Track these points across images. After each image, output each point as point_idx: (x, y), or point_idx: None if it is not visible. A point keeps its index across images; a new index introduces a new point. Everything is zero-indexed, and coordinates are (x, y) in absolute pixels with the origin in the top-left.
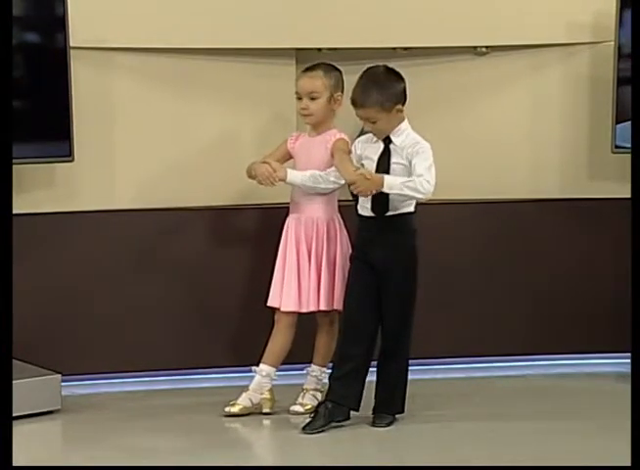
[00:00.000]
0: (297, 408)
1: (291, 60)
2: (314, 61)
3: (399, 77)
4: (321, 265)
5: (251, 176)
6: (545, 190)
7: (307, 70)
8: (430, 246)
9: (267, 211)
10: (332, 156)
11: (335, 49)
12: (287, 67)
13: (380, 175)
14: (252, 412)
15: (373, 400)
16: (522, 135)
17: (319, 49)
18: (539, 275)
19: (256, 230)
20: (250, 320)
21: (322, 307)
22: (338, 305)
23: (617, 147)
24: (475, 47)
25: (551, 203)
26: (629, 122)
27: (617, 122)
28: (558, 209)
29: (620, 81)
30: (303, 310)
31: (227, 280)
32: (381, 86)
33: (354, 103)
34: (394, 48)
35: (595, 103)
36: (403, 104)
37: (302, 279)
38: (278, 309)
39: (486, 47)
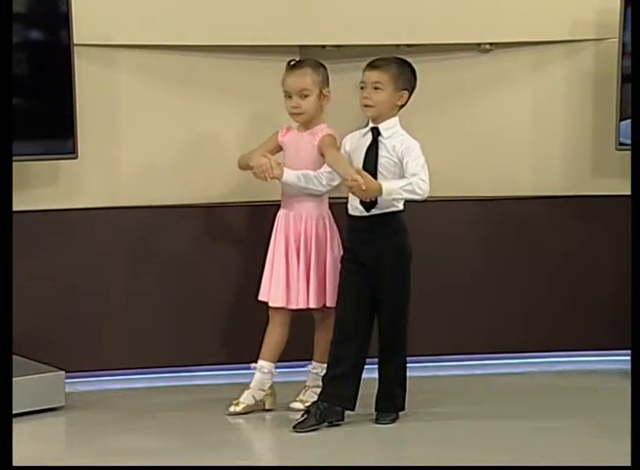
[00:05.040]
0: (297, 405)
1: (295, 57)
2: (318, 58)
3: (416, 79)
4: (310, 263)
5: (243, 166)
6: (548, 187)
7: (293, 67)
8: (432, 243)
9: (261, 208)
10: (320, 153)
11: (338, 46)
12: None
13: (377, 183)
14: (255, 409)
15: (374, 398)
16: (525, 132)
17: (323, 46)
18: (542, 272)
19: (255, 227)
20: (248, 317)
21: (312, 305)
22: (330, 302)
23: (620, 144)
24: (478, 44)
25: (554, 200)
26: None
27: (621, 120)
28: (561, 206)
29: (624, 78)
30: (292, 307)
31: (226, 278)
32: (402, 67)
33: (370, 64)
34: (398, 45)
35: (599, 100)
36: (407, 100)
37: (291, 275)
38: (269, 305)
39: (490, 44)
